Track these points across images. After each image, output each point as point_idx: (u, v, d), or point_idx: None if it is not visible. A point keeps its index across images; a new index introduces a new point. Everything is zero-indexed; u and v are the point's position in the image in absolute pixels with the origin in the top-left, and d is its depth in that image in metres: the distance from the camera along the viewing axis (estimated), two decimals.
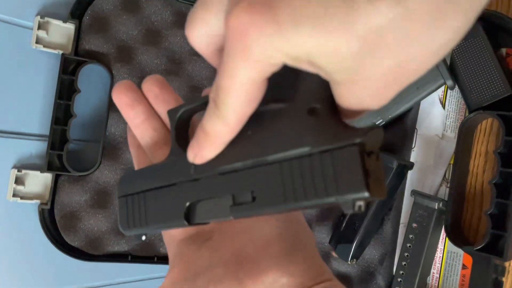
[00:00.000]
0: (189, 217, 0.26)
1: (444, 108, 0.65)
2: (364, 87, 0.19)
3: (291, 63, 0.20)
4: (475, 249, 0.55)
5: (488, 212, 0.55)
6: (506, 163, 0.55)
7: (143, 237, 0.29)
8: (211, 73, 0.65)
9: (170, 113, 0.29)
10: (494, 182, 0.55)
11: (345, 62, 0.18)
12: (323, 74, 0.20)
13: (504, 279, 0.55)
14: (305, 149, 0.21)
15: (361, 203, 0.20)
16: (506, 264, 0.56)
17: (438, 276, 0.62)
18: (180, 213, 0.26)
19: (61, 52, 0.57)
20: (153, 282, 0.67)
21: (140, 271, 0.67)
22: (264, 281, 0.25)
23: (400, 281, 0.62)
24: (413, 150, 0.67)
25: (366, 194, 0.20)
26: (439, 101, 0.65)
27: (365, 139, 0.20)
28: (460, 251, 0.60)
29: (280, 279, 0.25)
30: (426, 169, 0.65)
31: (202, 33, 0.23)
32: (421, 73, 0.19)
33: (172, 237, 0.30)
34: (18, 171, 0.55)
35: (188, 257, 0.28)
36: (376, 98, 0.20)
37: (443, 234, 0.62)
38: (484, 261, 0.56)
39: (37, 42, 0.55)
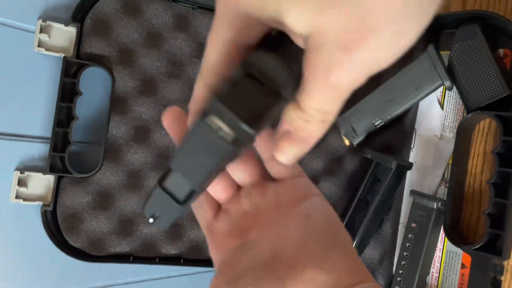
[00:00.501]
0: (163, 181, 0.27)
1: (442, 108, 0.65)
2: (329, 47, 0.21)
3: (266, 21, 0.22)
4: (473, 248, 0.56)
5: (487, 212, 0.55)
6: (504, 163, 0.56)
7: (151, 220, 0.29)
8: None
9: None
10: (492, 182, 0.56)
11: (310, 16, 0.20)
12: (296, 39, 0.23)
13: (502, 278, 0.56)
14: None
15: (219, 122, 0.21)
16: (505, 263, 0.56)
17: (437, 275, 0.63)
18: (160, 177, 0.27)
19: (62, 55, 0.57)
20: (155, 282, 0.68)
21: (142, 272, 0.67)
22: (303, 278, 0.25)
23: (400, 280, 0.62)
24: (412, 151, 0.67)
25: (215, 101, 0.21)
26: (437, 102, 0.66)
27: (249, 58, 0.23)
28: (459, 251, 0.61)
29: (318, 276, 0.25)
30: (425, 169, 0.66)
31: None
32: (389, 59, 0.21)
33: (219, 247, 0.31)
34: (20, 173, 0.56)
35: (232, 262, 0.29)
36: (345, 67, 0.21)
37: (442, 233, 0.62)
38: (483, 260, 0.56)
39: (39, 46, 0.56)
